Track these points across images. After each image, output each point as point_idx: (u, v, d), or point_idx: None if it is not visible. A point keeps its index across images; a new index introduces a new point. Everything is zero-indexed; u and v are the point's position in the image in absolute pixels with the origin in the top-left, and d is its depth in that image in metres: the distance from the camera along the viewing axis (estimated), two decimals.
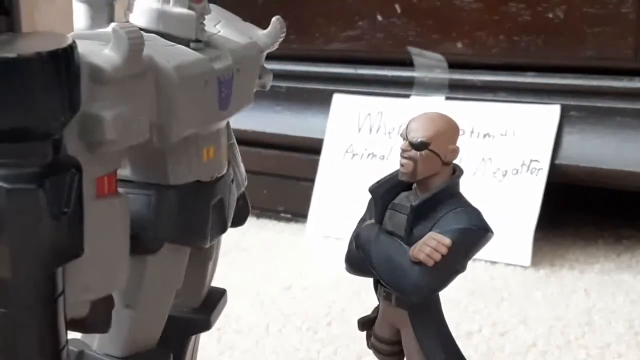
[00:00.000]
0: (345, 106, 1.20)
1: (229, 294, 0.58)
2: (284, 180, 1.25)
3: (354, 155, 1.18)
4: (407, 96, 1.17)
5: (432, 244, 0.50)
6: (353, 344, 0.80)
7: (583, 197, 1.15)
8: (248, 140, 1.27)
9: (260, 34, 0.54)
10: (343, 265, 0.57)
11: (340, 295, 0.93)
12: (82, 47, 0.38)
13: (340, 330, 0.84)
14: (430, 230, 0.51)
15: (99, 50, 0.40)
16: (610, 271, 1.00)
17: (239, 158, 0.59)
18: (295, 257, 1.08)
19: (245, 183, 0.59)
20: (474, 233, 0.51)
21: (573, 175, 1.05)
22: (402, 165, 0.52)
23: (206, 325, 0.56)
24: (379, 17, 1.18)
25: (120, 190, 0.43)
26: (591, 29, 1.04)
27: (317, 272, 1.01)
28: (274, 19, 0.55)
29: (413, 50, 1.16)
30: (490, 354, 0.78)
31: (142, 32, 0.42)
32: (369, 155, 1.17)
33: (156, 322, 0.50)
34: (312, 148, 1.21)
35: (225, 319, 0.86)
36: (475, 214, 0.52)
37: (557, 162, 1.05)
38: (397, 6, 1.16)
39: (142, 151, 0.45)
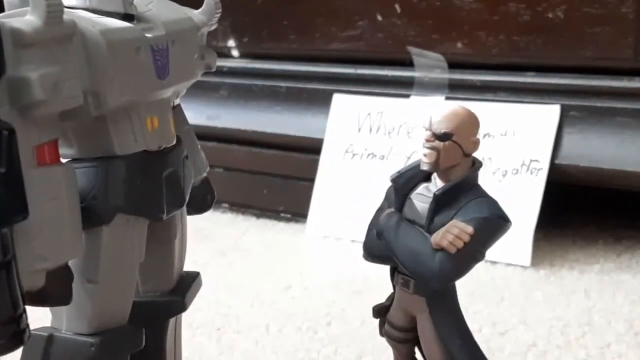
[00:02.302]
0: (345, 106, 1.20)
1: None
2: (284, 180, 1.25)
3: (354, 155, 1.18)
4: (407, 96, 1.17)
5: (455, 231, 0.51)
6: (353, 344, 0.80)
7: (583, 197, 1.15)
8: (248, 140, 1.27)
9: (195, 12, 0.56)
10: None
11: (340, 295, 0.93)
12: (5, 19, 0.40)
13: (340, 330, 0.84)
14: (452, 218, 0.53)
15: (21, 18, 0.41)
16: (610, 271, 1.00)
17: (198, 145, 0.60)
18: (295, 257, 1.08)
19: (207, 169, 0.61)
20: (494, 222, 0.53)
21: (573, 175, 1.05)
22: (425, 155, 0.54)
23: (181, 307, 0.56)
24: (379, 17, 1.18)
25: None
26: (591, 29, 1.04)
27: (317, 272, 1.01)
28: None
29: (413, 50, 1.16)
30: (490, 354, 0.78)
31: (69, 7, 0.44)
32: (369, 155, 1.17)
33: (121, 297, 0.51)
34: (312, 148, 1.21)
35: (225, 319, 0.87)
36: (495, 204, 0.54)
37: (557, 162, 1.05)
38: (397, 6, 1.16)
39: (85, 125, 0.47)
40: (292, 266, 1.03)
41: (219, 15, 0.57)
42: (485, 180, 1.04)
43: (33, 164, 0.41)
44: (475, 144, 0.54)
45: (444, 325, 0.55)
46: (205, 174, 0.60)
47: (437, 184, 0.54)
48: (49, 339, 0.49)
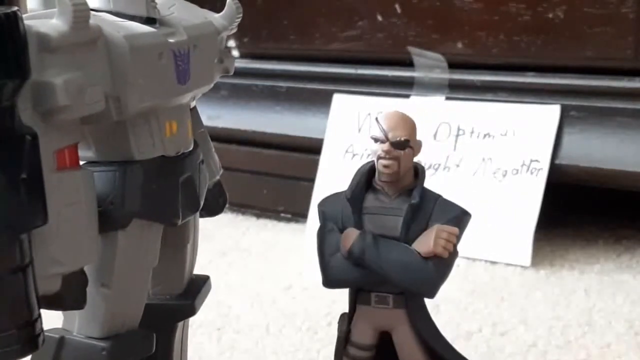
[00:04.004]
0: (345, 106, 1.20)
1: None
2: (284, 180, 1.25)
3: (354, 155, 1.18)
4: (407, 96, 1.17)
5: (444, 235, 0.51)
6: None
7: (583, 197, 1.15)
8: (248, 140, 1.27)
9: (216, 16, 0.55)
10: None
11: (340, 295, 0.92)
12: (31, 21, 0.39)
13: None
14: (427, 223, 0.53)
15: (47, 21, 0.41)
16: (610, 271, 1.00)
17: (212, 147, 0.60)
18: (295, 257, 1.08)
19: (221, 172, 0.60)
20: (466, 218, 0.54)
21: (573, 175, 1.05)
22: (386, 166, 0.53)
23: (191, 311, 0.56)
24: (379, 17, 1.18)
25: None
26: (591, 29, 1.04)
27: (317, 272, 1.01)
28: (229, 0, 0.56)
29: (413, 50, 1.16)
30: (490, 354, 0.78)
31: (92, 10, 0.43)
32: (369, 155, 1.16)
33: (134, 302, 0.51)
34: (312, 148, 1.21)
35: (225, 319, 0.87)
36: (451, 200, 0.54)
37: (557, 162, 1.05)
38: (397, 6, 1.16)
39: (104, 129, 0.46)
40: (292, 266, 1.03)
41: (239, 19, 0.56)
42: (485, 180, 1.05)
43: (53, 168, 0.41)
44: (421, 145, 0.54)
45: (426, 330, 0.55)
46: (218, 177, 0.60)
47: (388, 192, 0.54)
48: (60, 341, 0.49)
